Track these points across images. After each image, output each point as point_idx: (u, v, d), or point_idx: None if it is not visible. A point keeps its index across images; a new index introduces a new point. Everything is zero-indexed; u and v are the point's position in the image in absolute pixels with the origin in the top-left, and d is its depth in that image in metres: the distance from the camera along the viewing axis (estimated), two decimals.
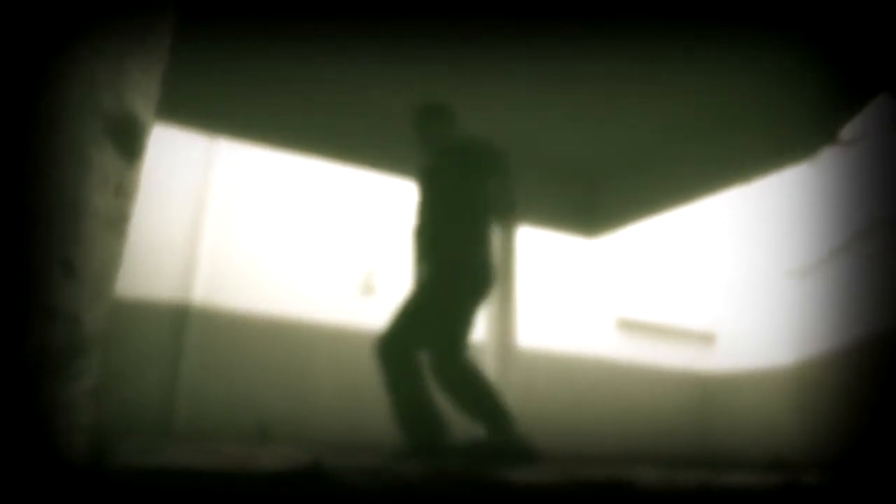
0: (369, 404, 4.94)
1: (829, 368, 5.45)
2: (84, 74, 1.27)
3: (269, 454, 2.21)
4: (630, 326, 6.82)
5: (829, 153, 5.39)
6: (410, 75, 4.13)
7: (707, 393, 6.99)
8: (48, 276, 1.15)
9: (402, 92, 4.27)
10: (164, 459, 1.64)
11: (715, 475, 2.36)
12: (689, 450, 6.40)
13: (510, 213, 3.26)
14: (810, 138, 4.01)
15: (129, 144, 1.36)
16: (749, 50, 3.74)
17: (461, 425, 3.18)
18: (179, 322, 4.85)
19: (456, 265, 3.08)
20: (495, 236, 3.54)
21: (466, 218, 3.15)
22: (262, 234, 5.33)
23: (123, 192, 1.32)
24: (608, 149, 5.09)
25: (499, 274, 3.19)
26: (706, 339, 7.26)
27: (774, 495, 1.91)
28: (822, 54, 3.68)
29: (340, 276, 5.54)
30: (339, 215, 5.67)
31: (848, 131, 4.35)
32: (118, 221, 1.31)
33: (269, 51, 4.01)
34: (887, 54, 3.36)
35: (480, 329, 4.72)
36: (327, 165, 4.92)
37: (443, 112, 3.45)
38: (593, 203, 5.56)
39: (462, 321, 3.04)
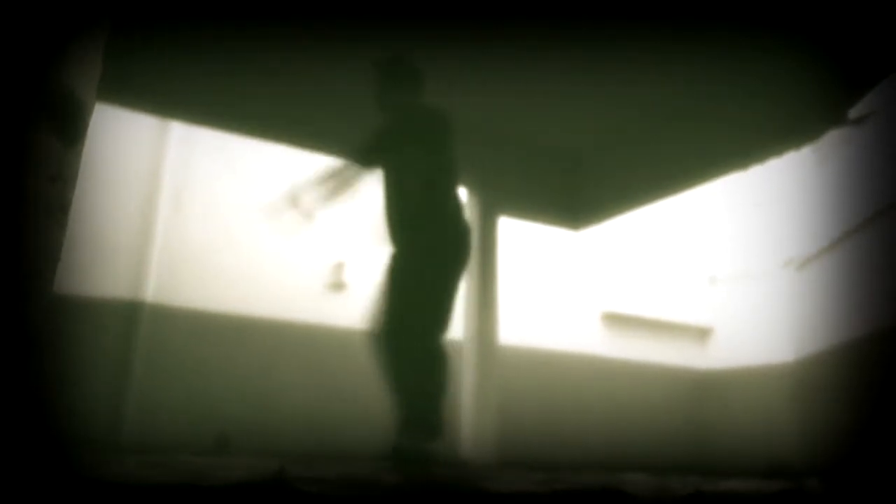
0: (341, 409, 4.91)
1: (830, 366, 5.54)
2: (18, 47, 1.23)
3: (229, 465, 2.18)
4: (617, 321, 6.87)
5: (835, 135, 5.45)
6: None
7: (702, 391, 7.08)
8: None
9: (367, 74, 4.24)
10: (111, 473, 1.61)
11: (711, 482, 2.39)
12: (682, 452, 6.48)
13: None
14: (812, 120, 4.03)
15: (69, 126, 1.32)
16: (740, 34, 3.77)
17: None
18: (129, 321, 4.78)
19: (430, 240, 3.12)
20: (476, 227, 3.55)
21: (430, 191, 3.20)
22: (219, 225, 5.26)
23: (62, 178, 1.29)
24: (594, 135, 5.09)
25: (472, 242, 3.27)
26: (701, 334, 7.35)
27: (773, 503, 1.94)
28: (819, 37, 3.72)
29: (307, 269, 5.50)
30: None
31: (857, 110, 4.38)
32: (57, 210, 1.27)
33: (227, 26, 3.95)
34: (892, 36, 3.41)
35: (459, 325, 4.73)
36: (289, 151, 4.86)
37: (411, 77, 3.41)
38: (579, 193, 5.57)
39: (449, 295, 3.09)
